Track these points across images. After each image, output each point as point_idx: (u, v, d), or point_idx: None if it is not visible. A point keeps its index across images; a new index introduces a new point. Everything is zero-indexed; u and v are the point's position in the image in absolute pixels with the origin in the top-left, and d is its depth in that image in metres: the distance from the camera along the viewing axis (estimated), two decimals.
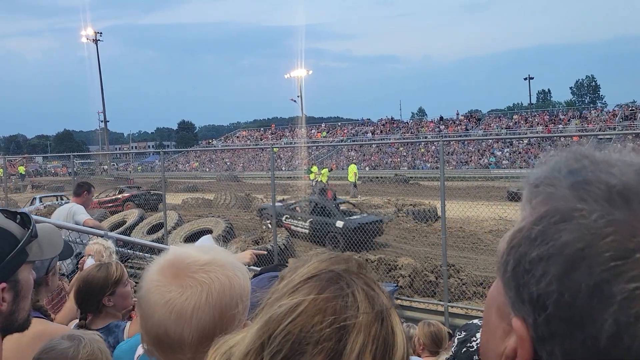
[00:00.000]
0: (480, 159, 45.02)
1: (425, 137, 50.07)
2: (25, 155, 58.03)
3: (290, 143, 51.83)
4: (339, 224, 12.81)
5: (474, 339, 1.89)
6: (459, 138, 47.73)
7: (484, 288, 9.32)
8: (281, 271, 0.77)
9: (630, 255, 0.44)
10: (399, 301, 8.45)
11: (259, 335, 0.68)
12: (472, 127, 53.10)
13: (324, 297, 0.67)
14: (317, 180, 24.67)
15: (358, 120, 67.82)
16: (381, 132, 57.84)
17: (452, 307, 8.29)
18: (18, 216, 1.23)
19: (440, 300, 8.65)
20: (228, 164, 56.06)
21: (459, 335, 1.97)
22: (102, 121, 71.44)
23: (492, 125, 52.23)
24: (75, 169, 20.91)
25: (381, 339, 0.67)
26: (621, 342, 0.43)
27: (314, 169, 25.91)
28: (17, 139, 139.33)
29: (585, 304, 0.44)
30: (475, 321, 2.00)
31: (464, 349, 1.89)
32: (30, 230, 1.20)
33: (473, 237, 13.41)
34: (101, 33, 68.24)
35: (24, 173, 40.91)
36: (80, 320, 2.51)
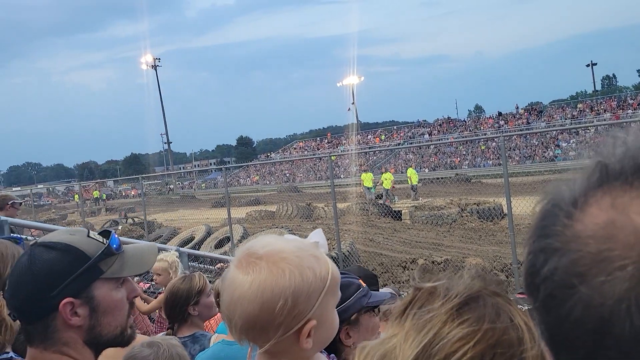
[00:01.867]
0: (544, 152, 43.36)
1: (485, 134, 48.82)
2: (98, 181, 61.25)
3: (347, 151, 51.85)
4: None
5: None
6: (521, 132, 46.21)
7: None
8: (417, 283, 0.79)
9: None
10: None
11: (424, 355, 0.69)
12: (534, 120, 51.26)
13: (499, 328, 0.69)
14: (385, 189, 24.48)
15: (414, 122, 67.05)
16: (438, 132, 56.88)
17: (525, 307, 8.04)
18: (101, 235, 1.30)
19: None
20: (287, 175, 56.84)
21: None
22: (165, 143, 74.56)
23: (555, 116, 50.23)
24: (144, 190, 21.88)
25: None
26: None
27: (368, 175, 25.71)
28: (89, 165, 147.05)
29: None
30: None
31: None
32: (105, 247, 1.24)
33: None
34: (159, 59, 71.43)
35: (97, 197, 43.17)
36: (168, 330, 2.67)
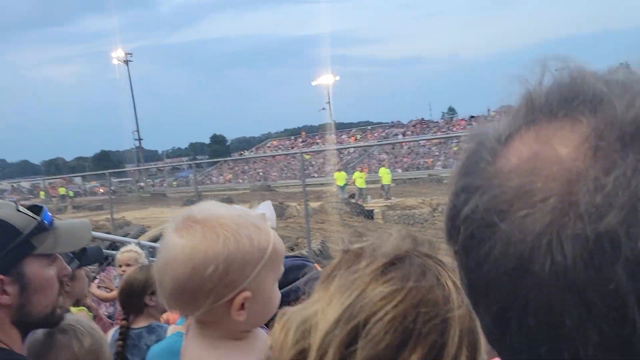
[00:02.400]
0: None
1: (457, 136, 49.40)
2: (65, 177, 59.84)
3: (320, 149, 51.88)
4: None
5: None
6: None
7: None
8: (346, 246, 0.75)
9: None
10: None
11: (346, 317, 0.65)
12: None
13: (423, 286, 0.66)
14: (358, 188, 24.55)
15: (388, 123, 67.48)
16: (412, 133, 57.37)
17: None
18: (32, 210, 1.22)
19: None
20: (261, 174, 56.52)
21: None
22: (136, 140, 73.34)
23: None
24: (112, 187, 21.40)
25: (470, 331, 0.66)
26: None
27: (341, 174, 25.74)
28: (57, 162, 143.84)
29: None
30: None
31: None
32: (37, 222, 1.18)
33: None
34: (131, 54, 70.23)
35: (64, 194, 42.13)
36: (122, 321, 2.55)
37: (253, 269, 1.00)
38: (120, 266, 3.59)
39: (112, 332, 2.62)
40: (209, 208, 1.05)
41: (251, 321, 1.04)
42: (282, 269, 1.09)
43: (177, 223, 1.03)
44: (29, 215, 1.19)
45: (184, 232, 1.00)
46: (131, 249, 3.79)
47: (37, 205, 1.25)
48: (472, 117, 56.19)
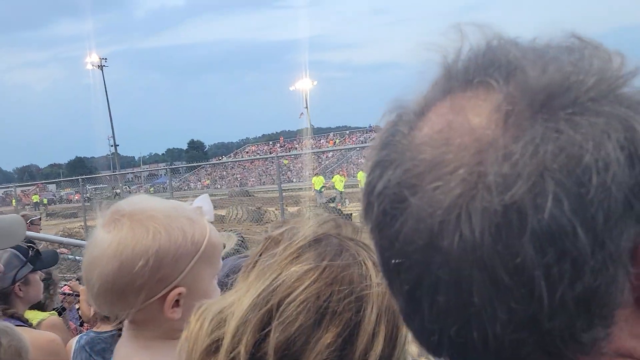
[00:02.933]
0: None
1: None
2: (38, 184, 58.64)
3: (297, 153, 51.88)
4: None
5: None
6: None
7: None
8: (268, 233, 0.74)
9: None
10: None
11: (261, 301, 0.64)
12: None
13: (338, 265, 0.65)
14: (338, 192, 24.62)
15: (365, 127, 67.79)
16: None
17: None
18: None
19: None
20: (239, 179, 56.19)
21: None
22: (112, 146, 72.39)
23: None
24: (88, 194, 20.99)
25: (390, 309, 0.65)
26: None
27: (319, 179, 25.79)
28: (30, 169, 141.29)
29: None
30: None
31: None
32: None
33: None
34: (106, 59, 69.41)
35: (37, 201, 41.26)
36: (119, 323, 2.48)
37: (187, 263, 0.95)
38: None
39: (76, 339, 2.50)
40: (139, 201, 1.00)
41: (187, 319, 0.96)
42: (221, 264, 1.04)
43: (105, 218, 0.97)
44: None
45: (111, 226, 0.94)
46: None
47: None
48: None
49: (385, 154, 0.43)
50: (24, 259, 2.38)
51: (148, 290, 0.93)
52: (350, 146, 55.56)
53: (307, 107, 65.57)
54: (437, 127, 0.40)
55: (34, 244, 2.87)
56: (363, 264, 0.66)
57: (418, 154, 0.40)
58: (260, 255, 0.70)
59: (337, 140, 62.58)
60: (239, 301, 0.66)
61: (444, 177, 0.38)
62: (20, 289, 2.37)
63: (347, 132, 68.74)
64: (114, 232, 0.94)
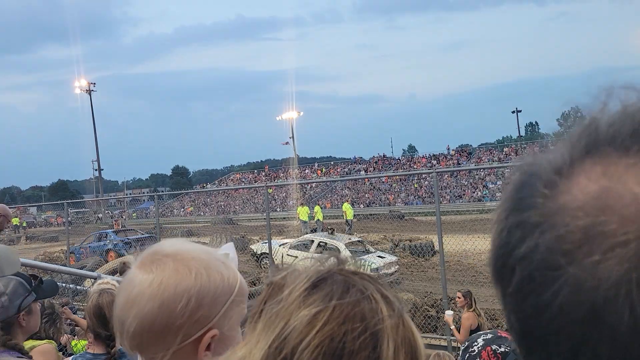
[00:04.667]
0: (473, 192, 45.24)
1: (419, 173, 50.40)
2: (19, 206, 57.74)
3: (284, 183, 51.97)
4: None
5: (475, 343, 2.04)
6: (452, 169, 48.16)
7: (487, 320, 9.26)
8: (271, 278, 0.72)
9: None
10: None
11: (273, 352, 0.62)
12: (464, 161, 53.61)
13: (348, 302, 0.63)
14: (317, 220, 24.77)
15: (350, 158, 68.36)
16: (374, 169, 58.20)
17: (455, 341, 8.20)
18: None
19: (443, 335, 8.56)
20: (223, 206, 55.97)
21: (462, 346, 2.11)
22: (96, 170, 71.70)
23: (483, 158, 52.78)
24: (69, 218, 20.83)
25: (407, 340, 0.64)
26: None
27: (304, 209, 25.95)
28: (12, 191, 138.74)
29: None
30: (479, 333, 2.15)
31: (466, 356, 2.03)
32: None
33: (472, 270, 13.37)
34: (94, 84, 69.28)
35: (17, 224, 40.61)
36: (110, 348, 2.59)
37: (222, 305, 0.96)
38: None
39: None
40: (177, 243, 1.02)
41: None
42: (246, 311, 1.03)
43: (143, 258, 0.99)
44: None
45: (152, 266, 0.96)
46: (108, 281, 3.85)
47: None
48: (434, 155, 57.62)
49: (526, 216, 0.40)
50: (29, 287, 2.31)
51: (186, 330, 0.92)
52: (338, 178, 55.80)
53: (292, 137, 66.06)
54: (592, 192, 0.38)
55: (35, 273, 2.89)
56: (372, 297, 0.64)
57: (572, 220, 0.38)
58: (265, 302, 0.68)
59: (324, 169, 62.87)
60: (250, 355, 0.64)
61: (609, 250, 0.36)
62: (23, 319, 2.31)
63: (332, 162, 69.16)
64: (157, 272, 0.94)
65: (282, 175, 64.67)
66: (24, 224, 43.41)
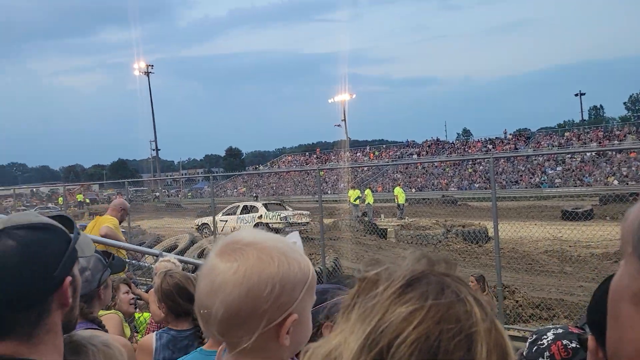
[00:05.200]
0: (531, 178, 43.81)
1: (473, 157, 49.24)
2: (83, 184, 60.51)
3: (335, 166, 52.00)
4: None
5: (545, 337, 1.99)
6: (509, 154, 46.74)
7: (541, 310, 8.99)
8: (363, 270, 0.75)
9: None
10: None
11: (370, 343, 0.64)
12: (522, 146, 51.88)
13: (443, 303, 0.65)
14: (368, 203, 24.72)
15: (403, 142, 67.52)
16: (427, 153, 57.30)
17: (508, 329, 8.03)
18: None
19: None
20: (274, 188, 56.71)
21: (530, 339, 2.05)
22: (153, 150, 74.09)
23: (542, 143, 50.89)
24: (129, 196, 21.65)
25: (499, 344, 0.65)
26: None
27: (355, 192, 25.88)
28: (75, 169, 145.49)
29: None
30: (548, 327, 2.10)
31: (534, 348, 1.98)
32: (76, 231, 1.23)
33: (527, 258, 13.00)
34: (152, 65, 71.29)
35: (81, 200, 42.64)
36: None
37: (300, 291, 1.01)
38: (156, 274, 3.79)
39: (156, 336, 2.67)
40: (254, 233, 1.07)
41: (293, 347, 1.04)
42: (315, 297, 1.10)
43: (222, 248, 1.04)
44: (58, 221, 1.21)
45: (235, 255, 1.01)
46: (169, 259, 4.01)
47: (60, 215, 1.27)
48: (489, 140, 56.04)
49: None
50: (105, 262, 2.52)
51: (269, 316, 0.97)
52: (389, 163, 55.32)
53: (344, 120, 65.84)
54: None
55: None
56: (466, 300, 0.66)
57: None
58: (357, 296, 0.72)
59: (377, 152, 62.39)
60: (346, 343, 0.67)
61: None
62: (102, 292, 2.50)
63: (384, 145, 68.52)
64: (240, 261, 0.99)
65: (333, 158, 64.71)
66: (87, 201, 45.50)
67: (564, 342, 1.91)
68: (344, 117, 65.53)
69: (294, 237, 1.21)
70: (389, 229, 17.68)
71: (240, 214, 20.30)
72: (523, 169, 45.46)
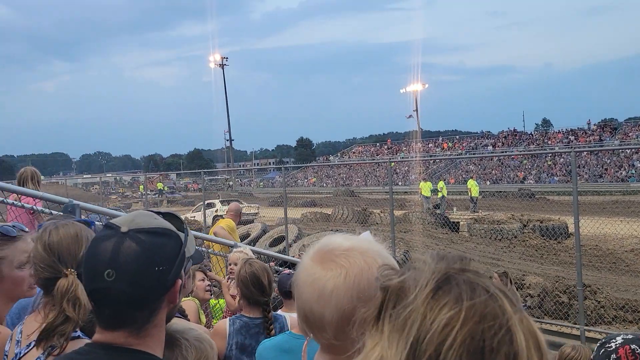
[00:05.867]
0: (617, 171, 41.18)
1: (553, 149, 46.89)
2: (162, 173, 63.50)
3: (407, 157, 51.28)
4: None
5: (614, 340, 2.04)
6: (592, 149, 44.18)
7: (626, 312, 8.46)
8: (385, 279, 0.74)
9: None
10: None
11: (416, 353, 0.65)
12: (607, 137, 48.80)
13: (479, 302, 0.66)
14: (442, 196, 24.29)
15: (477, 133, 65.47)
16: (502, 144, 55.23)
17: (589, 331, 7.61)
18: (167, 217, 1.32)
19: (575, 324, 7.98)
20: (345, 179, 56.83)
21: (600, 341, 2.11)
22: (227, 140, 76.34)
23: (630, 134, 47.60)
24: (204, 185, 22.48)
25: (531, 331, 0.67)
26: None
27: (426, 184, 25.41)
28: (155, 158, 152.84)
29: None
30: (619, 332, 2.18)
31: (602, 350, 2.04)
32: (186, 232, 1.30)
33: (611, 257, 12.27)
34: (227, 58, 73.25)
35: (161, 189, 44.77)
36: (268, 313, 2.88)
37: None
38: (230, 264, 3.95)
39: (229, 322, 2.83)
40: (348, 238, 1.10)
41: None
42: None
43: (322, 255, 1.06)
44: (171, 223, 1.29)
45: (339, 261, 1.03)
46: (242, 249, 4.18)
47: (170, 213, 1.35)
48: (571, 130, 53.19)
49: None
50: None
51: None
52: (462, 155, 53.94)
53: (416, 110, 64.79)
54: None
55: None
56: (496, 295, 0.67)
57: None
58: (384, 307, 0.71)
59: (450, 143, 60.91)
60: (388, 356, 0.67)
61: None
62: (185, 281, 2.68)
63: (457, 136, 66.75)
64: (347, 266, 1.02)
65: (404, 148, 63.87)
66: (166, 189, 47.73)
67: (633, 346, 1.98)
68: (416, 107, 64.49)
69: (367, 236, 1.20)
70: (461, 222, 17.26)
71: (206, 209, 20.68)
72: (608, 161, 42.78)
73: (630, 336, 2.06)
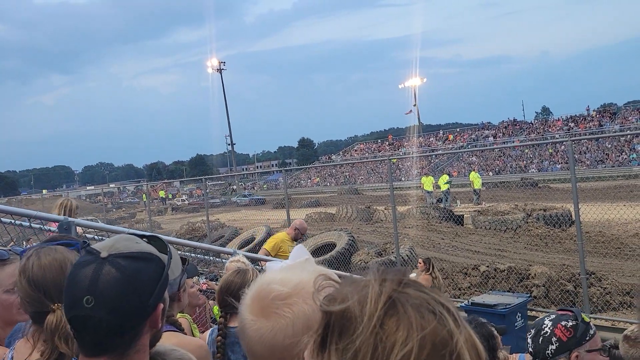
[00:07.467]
0: (618, 156, 41.08)
1: (553, 137, 46.76)
2: (165, 181, 63.67)
3: (408, 153, 51.26)
4: None
5: (544, 325, 2.14)
6: (590, 136, 44.05)
7: (632, 297, 8.48)
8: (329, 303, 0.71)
9: None
10: (533, 313, 7.96)
11: None
12: (607, 122, 48.69)
13: (430, 332, 0.65)
14: (447, 190, 24.25)
15: (477, 124, 65.37)
16: (503, 134, 55.16)
17: (595, 319, 7.63)
18: (148, 239, 1.31)
19: (582, 312, 8.00)
20: (348, 177, 56.85)
21: (529, 335, 2.18)
22: (229, 144, 76.47)
23: (630, 118, 47.48)
24: (207, 190, 22.53)
25: (473, 346, 0.67)
26: None
27: (428, 179, 25.40)
28: (157, 166, 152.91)
29: None
30: (541, 316, 2.28)
31: (540, 339, 2.11)
32: (169, 254, 1.29)
33: (616, 242, 12.26)
34: (225, 62, 73.37)
35: (164, 197, 44.90)
36: (220, 318, 2.81)
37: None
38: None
39: (210, 332, 2.86)
40: (285, 280, 1.06)
41: None
42: None
43: (261, 307, 1.04)
44: (155, 247, 1.27)
45: (283, 310, 1.02)
46: (239, 259, 4.14)
47: (155, 236, 1.34)
48: (571, 117, 53.06)
49: None
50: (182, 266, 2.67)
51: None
52: (462, 149, 53.86)
53: (415, 105, 64.79)
54: None
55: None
56: (442, 316, 0.67)
57: None
58: (330, 334, 0.69)
59: (452, 137, 60.79)
60: None
61: None
62: (181, 295, 2.58)
63: (458, 129, 66.64)
64: (292, 315, 1.01)
65: (406, 144, 63.83)
66: (170, 196, 47.84)
67: (562, 322, 2.11)
68: (415, 101, 64.48)
69: (301, 252, 1.15)
70: (465, 215, 17.26)
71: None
72: (609, 146, 42.70)
73: (553, 315, 2.19)
